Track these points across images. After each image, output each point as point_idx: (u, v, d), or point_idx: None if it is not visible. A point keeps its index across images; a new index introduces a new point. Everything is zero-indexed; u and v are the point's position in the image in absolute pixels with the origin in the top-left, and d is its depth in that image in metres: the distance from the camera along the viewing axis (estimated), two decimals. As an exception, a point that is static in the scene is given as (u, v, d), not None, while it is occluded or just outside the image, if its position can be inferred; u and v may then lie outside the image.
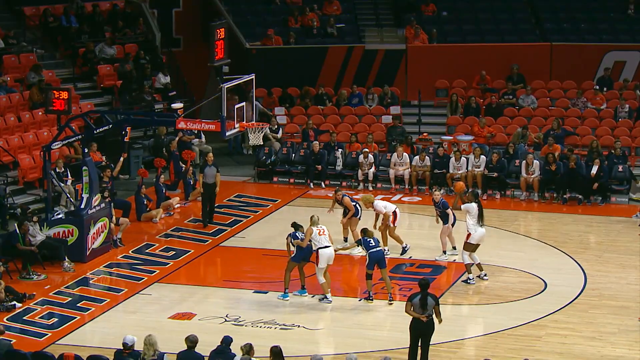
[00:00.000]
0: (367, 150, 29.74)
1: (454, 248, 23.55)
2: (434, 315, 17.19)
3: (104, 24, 33.75)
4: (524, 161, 28.40)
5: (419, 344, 17.22)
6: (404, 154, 29.35)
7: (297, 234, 21.18)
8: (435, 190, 23.91)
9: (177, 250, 24.37)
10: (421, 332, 17.14)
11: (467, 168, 28.87)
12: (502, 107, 32.65)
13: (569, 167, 27.99)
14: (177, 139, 29.50)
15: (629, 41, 34.10)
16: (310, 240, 20.89)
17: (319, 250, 20.85)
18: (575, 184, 28.05)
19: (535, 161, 28.33)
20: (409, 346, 17.28)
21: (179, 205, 27.53)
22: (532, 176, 28.15)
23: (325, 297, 21.05)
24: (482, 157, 28.81)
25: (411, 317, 17.15)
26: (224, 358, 15.90)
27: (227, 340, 16.14)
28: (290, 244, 21.24)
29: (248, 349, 15.80)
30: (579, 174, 28.01)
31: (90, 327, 20.04)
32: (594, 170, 27.81)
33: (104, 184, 25.39)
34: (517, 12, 36.27)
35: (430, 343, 17.29)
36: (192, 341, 15.98)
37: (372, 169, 29.47)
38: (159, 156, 30.36)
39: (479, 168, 28.72)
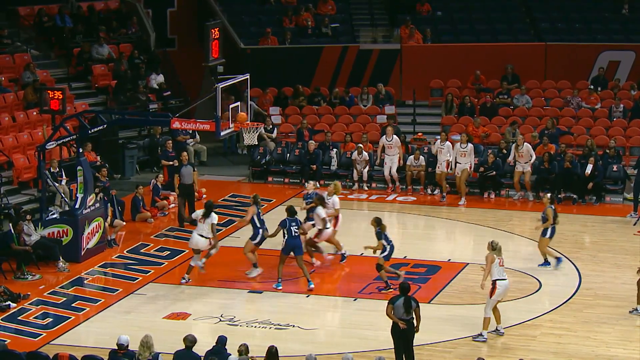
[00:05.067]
0: (361, 146, 29.70)
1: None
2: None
3: (99, 24, 33.72)
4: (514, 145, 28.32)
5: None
6: (394, 136, 29.10)
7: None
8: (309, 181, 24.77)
9: (171, 250, 24.36)
10: (403, 335, 17.05)
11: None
12: (497, 106, 32.67)
13: (564, 167, 27.99)
14: (171, 140, 29.45)
15: (623, 41, 34.12)
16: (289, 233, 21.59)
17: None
18: (570, 183, 28.06)
19: (525, 144, 28.10)
20: (394, 350, 17.23)
21: (173, 205, 27.49)
22: (523, 161, 27.83)
23: None
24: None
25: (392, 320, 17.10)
26: (220, 358, 15.89)
27: (222, 340, 16.13)
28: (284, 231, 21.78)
29: (244, 350, 15.80)
30: (574, 173, 28.02)
31: (84, 327, 20.01)
32: (589, 169, 27.79)
33: (100, 184, 25.37)
34: (512, 11, 36.31)
35: (416, 344, 17.21)
36: (190, 341, 15.98)
37: (367, 169, 29.42)
38: (154, 156, 30.40)
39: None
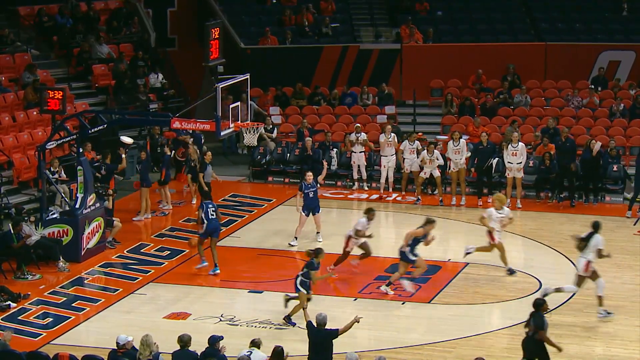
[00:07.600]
0: (359, 125, 29.82)
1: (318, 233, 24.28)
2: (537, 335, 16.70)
3: (98, 24, 33.72)
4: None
5: None
6: (392, 134, 28.96)
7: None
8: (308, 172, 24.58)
9: (172, 250, 24.36)
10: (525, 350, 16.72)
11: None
12: (497, 106, 32.65)
13: (593, 156, 27.59)
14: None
15: (623, 41, 34.16)
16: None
17: None
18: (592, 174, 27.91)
19: (520, 143, 27.83)
20: None
21: (170, 207, 27.29)
22: (516, 161, 27.55)
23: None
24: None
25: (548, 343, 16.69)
26: (215, 360, 15.84)
27: (213, 340, 15.99)
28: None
29: (255, 343, 15.82)
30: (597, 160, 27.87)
31: (85, 327, 20.03)
32: (598, 146, 27.51)
33: (97, 184, 25.36)
34: (512, 11, 36.35)
35: (416, 344, 17.11)
36: (183, 340, 15.94)
37: (364, 162, 29.26)
38: (154, 156, 30.31)
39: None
